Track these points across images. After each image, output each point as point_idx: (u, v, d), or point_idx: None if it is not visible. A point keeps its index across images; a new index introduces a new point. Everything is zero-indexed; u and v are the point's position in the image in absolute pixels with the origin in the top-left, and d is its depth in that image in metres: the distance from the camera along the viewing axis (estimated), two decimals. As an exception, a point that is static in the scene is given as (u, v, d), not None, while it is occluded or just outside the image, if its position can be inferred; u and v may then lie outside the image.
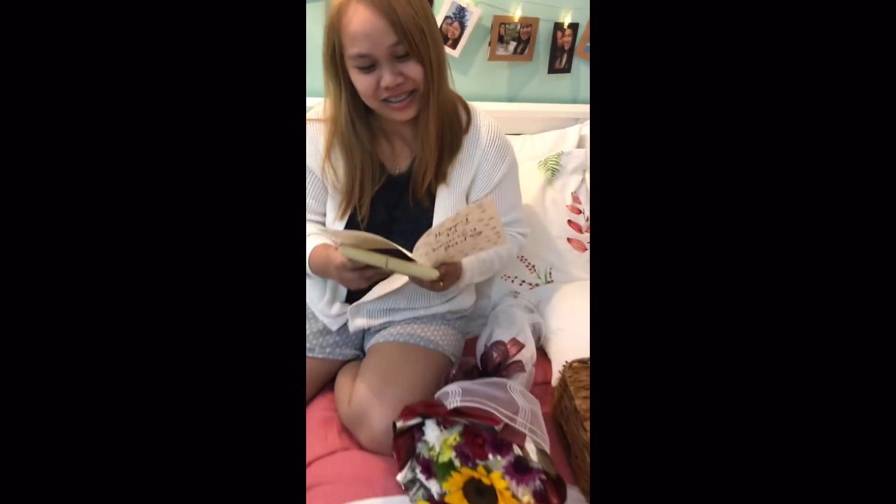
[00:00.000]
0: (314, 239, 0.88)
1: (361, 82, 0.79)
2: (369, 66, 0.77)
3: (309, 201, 0.93)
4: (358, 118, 0.85)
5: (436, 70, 0.80)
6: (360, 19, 0.74)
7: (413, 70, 0.78)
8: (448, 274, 0.81)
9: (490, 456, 0.73)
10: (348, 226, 0.91)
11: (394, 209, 0.91)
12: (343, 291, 0.98)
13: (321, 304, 0.99)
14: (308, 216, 0.94)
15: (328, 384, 1.00)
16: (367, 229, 0.86)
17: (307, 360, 0.96)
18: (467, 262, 0.88)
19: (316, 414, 0.94)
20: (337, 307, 0.98)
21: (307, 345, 0.97)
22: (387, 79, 0.77)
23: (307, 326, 0.99)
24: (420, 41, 0.76)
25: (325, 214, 0.93)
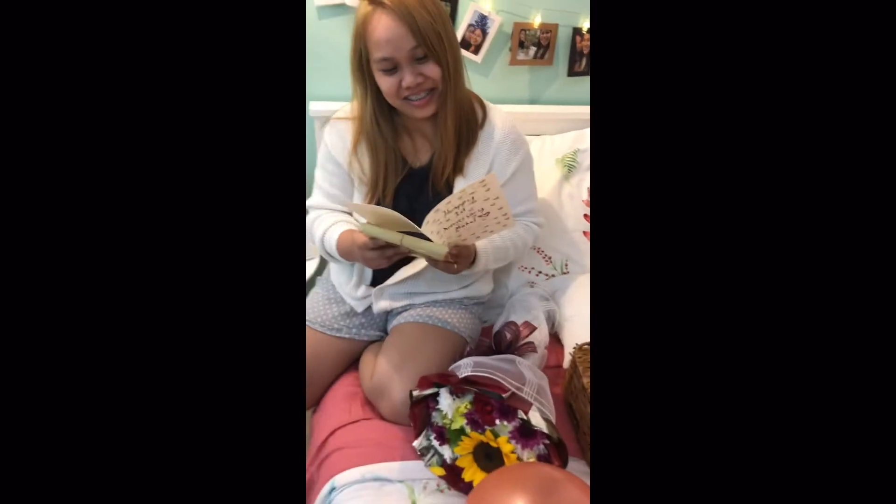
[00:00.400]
0: (341, 225, 0.96)
1: (385, 83, 0.88)
2: (392, 68, 0.87)
3: (335, 192, 1.01)
4: (382, 117, 0.94)
5: (452, 70, 0.89)
6: (383, 27, 0.84)
7: (431, 70, 0.87)
8: (461, 255, 0.87)
9: (497, 421, 0.78)
10: None
11: (414, 200, 0.99)
12: (368, 275, 1.06)
13: (348, 286, 1.07)
14: (333, 205, 1.02)
15: (353, 363, 1.08)
16: None
17: (335, 340, 1.05)
18: (481, 246, 0.95)
19: (342, 389, 1.02)
20: (363, 289, 1.06)
21: (334, 325, 1.05)
22: (408, 79, 0.86)
23: (335, 309, 1.07)
24: (437, 44, 0.85)
25: (340, 200, 1.03)
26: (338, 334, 1.05)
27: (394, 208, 0.96)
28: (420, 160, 1.00)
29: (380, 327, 1.10)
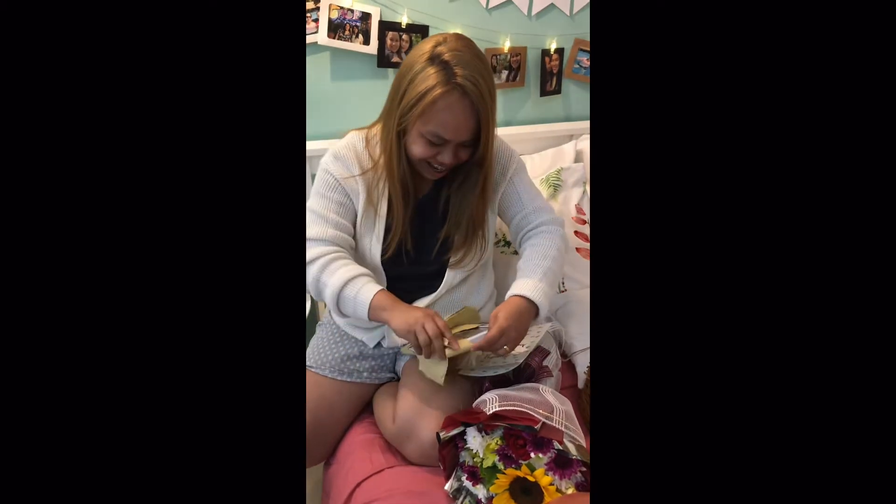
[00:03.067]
0: (370, 283, 0.90)
1: (422, 149, 0.88)
2: (439, 143, 0.87)
3: (339, 220, 0.96)
4: (407, 165, 0.93)
5: (487, 157, 0.91)
6: (456, 115, 0.83)
7: (466, 155, 0.90)
8: (497, 335, 0.87)
9: (532, 454, 0.77)
10: (388, 249, 0.97)
11: (419, 229, 0.99)
12: None
13: (359, 319, 1.03)
14: (337, 233, 0.95)
15: (365, 408, 1.05)
16: (403, 250, 0.96)
17: (345, 385, 1.01)
18: (539, 295, 0.92)
19: (357, 438, 0.98)
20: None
21: (345, 369, 1.02)
22: (446, 158, 0.88)
23: (342, 350, 1.04)
24: (486, 138, 0.87)
25: (352, 234, 0.98)
26: (349, 378, 1.02)
27: (406, 239, 0.97)
28: (422, 191, 1.00)
29: (390, 368, 1.07)
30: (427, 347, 0.84)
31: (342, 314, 0.95)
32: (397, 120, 0.87)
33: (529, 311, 0.91)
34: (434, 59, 0.83)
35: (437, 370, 0.87)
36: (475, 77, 0.82)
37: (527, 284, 0.92)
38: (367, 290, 0.89)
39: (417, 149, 0.88)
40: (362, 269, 0.92)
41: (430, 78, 0.82)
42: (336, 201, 0.96)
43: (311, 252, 0.93)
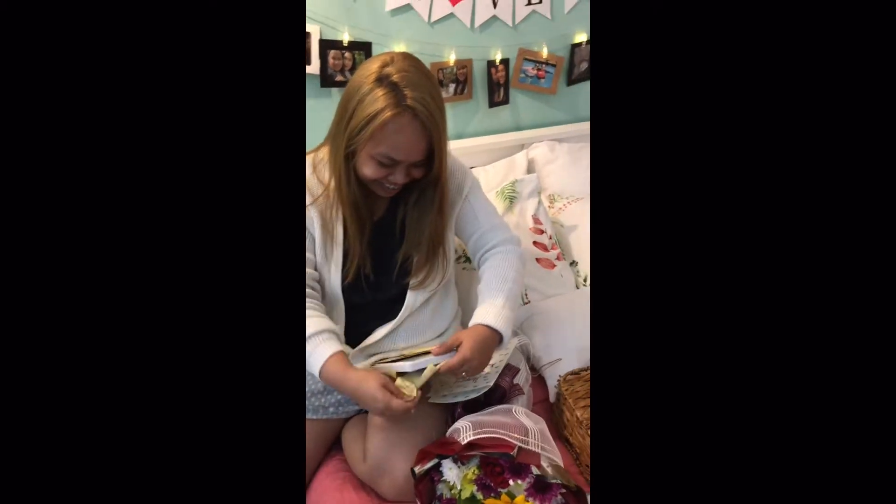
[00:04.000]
0: (327, 342, 0.85)
1: (373, 170, 0.85)
2: (390, 165, 0.84)
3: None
4: (359, 188, 0.90)
5: (440, 174, 0.89)
6: (406, 135, 0.81)
7: (420, 173, 0.87)
8: (462, 360, 0.84)
9: (511, 481, 0.75)
10: (348, 275, 0.93)
11: (379, 253, 0.96)
12: (341, 334, 0.99)
13: None
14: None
15: (333, 445, 1.01)
16: (362, 274, 0.93)
17: (311, 423, 0.97)
18: (501, 323, 0.90)
19: (327, 478, 0.94)
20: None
21: (310, 406, 0.97)
22: (397, 178, 0.86)
23: (308, 385, 0.99)
24: (438, 157, 0.85)
25: (314, 263, 0.94)
26: (314, 416, 0.97)
27: (364, 263, 0.94)
28: (377, 214, 0.97)
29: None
30: (388, 411, 0.81)
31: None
32: (345, 142, 0.84)
33: (493, 338, 0.90)
34: (382, 79, 0.80)
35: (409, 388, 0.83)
36: (425, 98, 0.80)
37: (489, 312, 0.91)
38: (320, 352, 0.84)
39: (368, 170, 0.85)
40: (324, 325, 0.87)
41: (378, 100, 0.79)
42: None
43: None
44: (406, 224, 0.95)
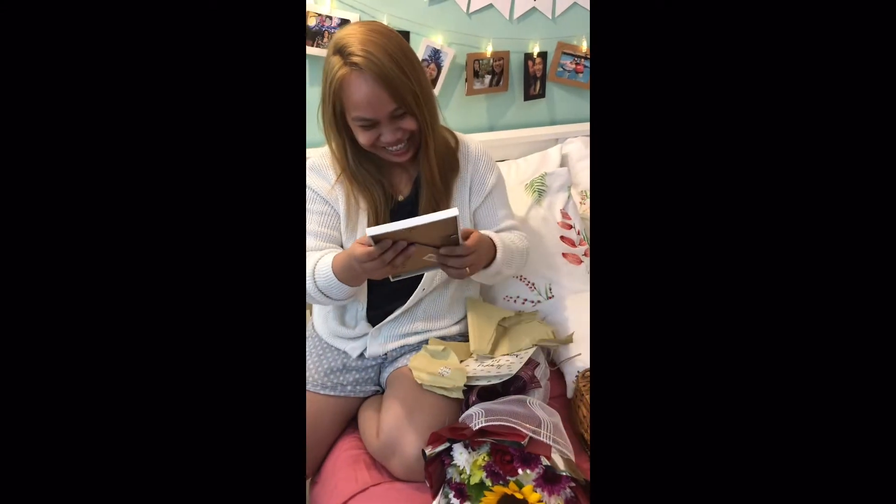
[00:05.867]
0: (331, 252, 0.91)
1: (363, 136, 0.87)
2: (371, 125, 0.85)
3: (328, 231, 0.96)
4: (364, 158, 0.93)
5: (430, 121, 0.89)
6: (362, 91, 0.82)
7: (409, 124, 0.87)
8: (480, 246, 0.84)
9: (520, 471, 0.75)
10: None
11: None
12: (363, 312, 1.01)
13: (342, 327, 1.02)
14: (329, 245, 0.96)
15: (350, 423, 1.03)
16: None
17: (328, 400, 0.99)
18: (498, 237, 0.93)
19: (342, 454, 0.96)
20: (360, 327, 1.01)
21: (328, 383, 1.00)
22: (387, 136, 0.86)
23: (325, 364, 1.02)
24: (414, 103, 0.85)
25: (341, 243, 0.98)
26: (333, 393, 1.00)
27: None
28: (403, 193, 0.98)
29: (374, 381, 1.05)
30: (387, 267, 0.76)
31: (330, 297, 0.90)
32: (329, 119, 0.87)
33: (490, 251, 0.90)
34: (335, 48, 0.83)
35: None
36: (369, 51, 0.80)
37: (493, 235, 0.94)
38: (327, 259, 0.87)
39: (361, 138, 0.87)
40: (325, 251, 0.92)
41: (332, 68, 0.83)
42: (317, 212, 0.96)
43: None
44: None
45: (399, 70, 0.82)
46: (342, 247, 0.98)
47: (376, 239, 0.73)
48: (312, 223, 0.96)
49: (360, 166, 0.93)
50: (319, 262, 0.89)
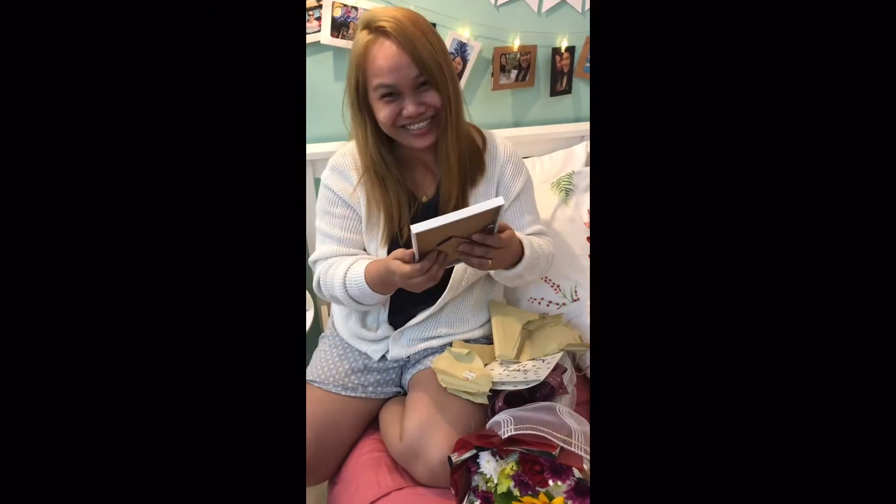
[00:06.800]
0: (362, 261, 0.88)
1: (384, 111, 0.84)
2: (392, 95, 0.83)
3: (347, 235, 0.94)
4: (385, 148, 0.90)
5: (453, 99, 0.86)
6: (386, 54, 0.81)
7: (433, 98, 0.84)
8: (512, 240, 0.82)
9: (550, 482, 0.73)
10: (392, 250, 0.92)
11: None
12: (385, 315, 0.99)
13: (364, 329, 1.00)
14: (349, 250, 0.94)
15: (371, 424, 1.01)
16: None
17: (348, 401, 0.97)
18: (528, 240, 0.91)
19: (363, 457, 0.94)
20: (382, 329, 0.99)
21: (349, 384, 0.98)
22: (409, 108, 0.83)
23: (346, 364, 1.00)
24: (438, 73, 0.83)
25: (363, 247, 0.95)
26: (353, 394, 0.98)
27: (411, 246, 0.91)
28: (427, 194, 0.96)
29: (396, 382, 1.03)
30: (430, 280, 0.77)
31: (361, 304, 0.89)
32: (353, 98, 0.86)
33: (517, 252, 0.88)
34: (363, 26, 0.84)
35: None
36: (396, 18, 0.81)
37: (524, 238, 0.92)
38: (359, 268, 0.86)
39: (382, 114, 0.85)
40: (357, 257, 0.91)
41: (358, 41, 0.83)
42: (339, 216, 0.94)
43: (316, 273, 0.94)
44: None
45: (425, 38, 0.81)
46: (364, 250, 0.95)
47: (421, 238, 0.70)
48: (335, 227, 0.94)
49: (382, 158, 0.90)
50: (351, 270, 0.87)
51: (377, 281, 0.84)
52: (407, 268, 0.75)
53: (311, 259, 0.97)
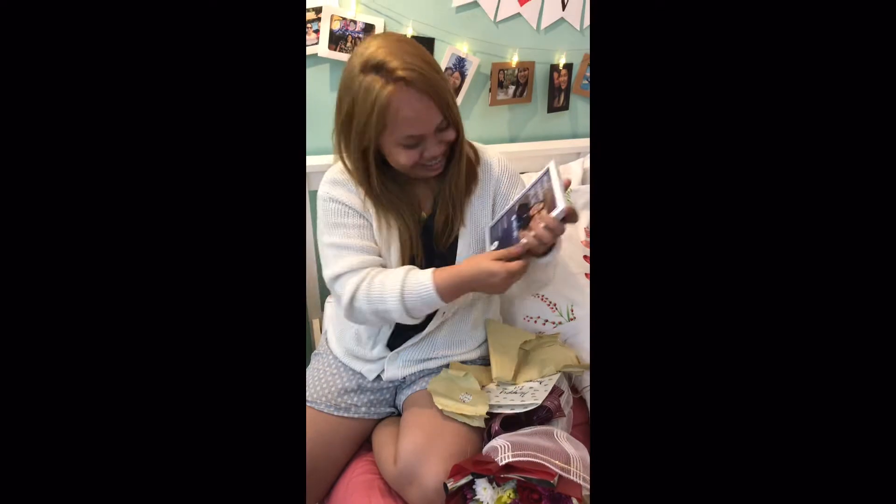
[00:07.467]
0: (415, 273, 0.85)
1: (404, 156, 0.82)
2: (417, 143, 0.81)
3: (367, 244, 0.89)
4: (388, 180, 0.87)
5: (461, 129, 0.85)
6: (414, 107, 0.77)
7: (451, 135, 0.83)
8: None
9: (548, 511, 0.72)
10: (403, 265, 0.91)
11: (432, 250, 0.93)
12: (385, 334, 0.97)
13: (361, 348, 0.98)
14: (373, 258, 0.89)
15: (364, 445, 0.99)
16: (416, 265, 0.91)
17: (340, 422, 0.95)
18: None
19: (356, 478, 0.92)
20: (378, 349, 0.97)
21: (342, 404, 0.96)
22: (433, 150, 0.82)
23: (338, 383, 0.98)
24: (455, 111, 0.82)
25: (378, 251, 0.91)
26: (346, 414, 0.96)
27: (417, 255, 0.92)
28: (426, 209, 0.94)
29: (390, 402, 1.01)
30: (512, 279, 0.79)
31: (413, 316, 0.86)
32: (358, 143, 0.81)
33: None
34: (365, 66, 0.76)
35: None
36: (410, 62, 0.75)
37: None
38: (422, 277, 0.82)
39: (403, 158, 0.82)
40: (406, 267, 0.86)
41: (371, 87, 0.76)
42: (353, 226, 0.89)
43: (347, 288, 0.85)
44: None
45: (441, 78, 0.79)
46: (380, 255, 0.91)
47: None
48: (352, 237, 0.88)
49: (386, 189, 0.87)
50: (409, 280, 0.83)
51: (452, 286, 0.82)
52: (515, 265, 0.78)
53: (330, 274, 0.88)
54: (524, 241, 0.79)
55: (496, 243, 0.87)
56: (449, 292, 0.82)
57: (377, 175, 0.85)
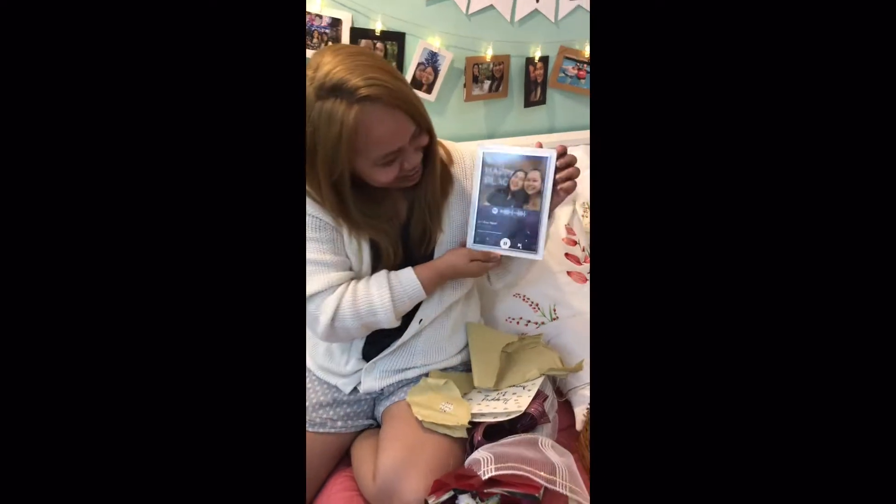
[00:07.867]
0: (401, 272, 0.87)
1: (384, 173, 0.77)
2: (394, 158, 0.76)
3: (342, 258, 0.85)
4: (361, 201, 0.81)
5: (432, 130, 0.81)
6: (386, 122, 0.71)
7: (424, 139, 0.79)
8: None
9: (534, 526, 0.68)
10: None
11: (411, 255, 0.90)
12: (359, 347, 0.93)
13: (334, 363, 0.94)
14: (345, 276, 0.85)
15: (342, 460, 0.95)
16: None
17: (316, 437, 0.91)
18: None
19: (335, 495, 0.88)
20: (353, 363, 0.93)
21: (317, 419, 0.92)
22: (412, 160, 0.78)
23: (313, 398, 0.94)
24: (425, 115, 0.77)
25: (350, 267, 0.87)
26: (321, 430, 0.91)
27: (403, 265, 0.90)
28: (401, 217, 0.90)
29: (368, 414, 0.97)
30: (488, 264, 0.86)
31: (399, 319, 0.88)
32: (328, 170, 0.74)
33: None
34: (321, 91, 0.69)
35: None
36: (370, 76, 0.69)
37: None
38: (404, 276, 0.86)
39: (383, 177, 0.77)
40: (383, 272, 0.87)
41: (334, 113, 0.69)
42: (326, 240, 0.84)
43: (327, 305, 0.82)
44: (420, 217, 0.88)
45: (404, 84, 0.74)
46: (351, 269, 0.87)
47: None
48: (325, 252, 0.83)
49: (364, 214, 0.81)
50: (394, 284, 0.85)
51: (434, 280, 0.87)
52: (486, 261, 0.85)
53: (310, 292, 0.83)
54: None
55: (507, 241, 0.84)
56: (430, 285, 0.87)
57: (352, 200, 0.79)
